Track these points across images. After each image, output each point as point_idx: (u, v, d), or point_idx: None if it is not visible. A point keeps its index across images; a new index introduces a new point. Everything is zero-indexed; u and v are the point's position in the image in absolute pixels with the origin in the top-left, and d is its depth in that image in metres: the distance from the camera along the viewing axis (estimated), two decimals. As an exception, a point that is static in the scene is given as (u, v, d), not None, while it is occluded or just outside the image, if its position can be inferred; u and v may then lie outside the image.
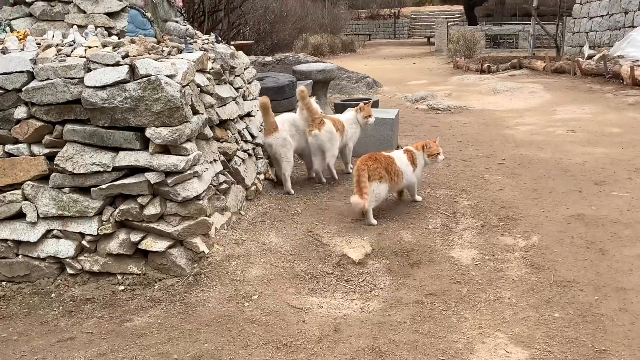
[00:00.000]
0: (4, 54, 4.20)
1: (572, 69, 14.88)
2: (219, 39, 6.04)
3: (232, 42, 11.69)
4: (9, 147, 4.09)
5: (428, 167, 5.46)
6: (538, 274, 3.93)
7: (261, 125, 6.09)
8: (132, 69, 3.96)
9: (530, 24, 24.89)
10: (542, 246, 4.34)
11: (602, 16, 18.48)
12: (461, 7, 40.28)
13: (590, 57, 15.15)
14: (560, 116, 9.71)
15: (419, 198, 5.40)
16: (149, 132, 3.95)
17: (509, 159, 6.85)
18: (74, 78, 3.97)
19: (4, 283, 4.13)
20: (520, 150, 7.32)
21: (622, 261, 4.04)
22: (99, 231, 4.05)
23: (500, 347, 3.14)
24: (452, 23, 34.23)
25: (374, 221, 4.87)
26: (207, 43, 5.45)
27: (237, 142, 5.21)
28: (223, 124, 5.02)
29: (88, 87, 3.93)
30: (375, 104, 9.09)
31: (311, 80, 9.34)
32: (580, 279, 3.82)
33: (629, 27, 16.15)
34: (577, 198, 5.29)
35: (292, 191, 5.69)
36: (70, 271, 4.12)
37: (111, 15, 5.34)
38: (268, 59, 12.51)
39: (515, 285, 3.80)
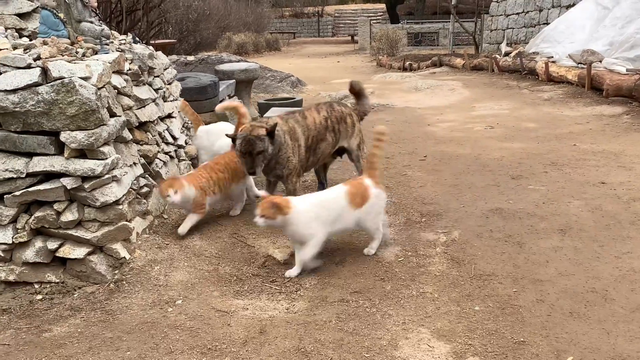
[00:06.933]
0: None
1: (490, 65, 15.33)
2: (137, 39, 5.91)
3: (152, 42, 11.49)
4: None
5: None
6: (459, 269, 4.02)
7: (183, 126, 6.02)
8: (45, 71, 3.82)
9: (450, 21, 25.52)
10: (462, 241, 4.44)
11: (518, 14, 19.12)
12: (383, 6, 40.87)
13: (507, 54, 15.64)
14: (479, 112, 9.98)
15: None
16: (63, 136, 3.83)
17: (430, 156, 6.99)
18: (-17, 82, 3.81)
19: None
20: (440, 146, 7.48)
21: (539, 253, 4.18)
22: (13, 240, 3.90)
23: (423, 342, 3.19)
24: (374, 21, 34.70)
25: None
26: (124, 44, 5.32)
27: (157, 144, 5.11)
28: (143, 126, 4.92)
29: (-2, 90, 3.78)
30: (299, 103, 9.12)
31: (234, 80, 9.28)
32: (499, 272, 3.93)
33: (544, 24, 16.75)
34: (495, 192, 5.44)
35: None
36: (-16, 282, 3.95)
37: (22, 16, 5.14)
38: (190, 58, 12.36)
39: (437, 280, 3.88)
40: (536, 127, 8.35)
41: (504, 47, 16.66)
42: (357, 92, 5.46)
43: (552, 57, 13.16)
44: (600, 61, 11.10)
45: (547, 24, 16.12)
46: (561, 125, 8.36)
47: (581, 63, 11.41)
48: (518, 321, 3.34)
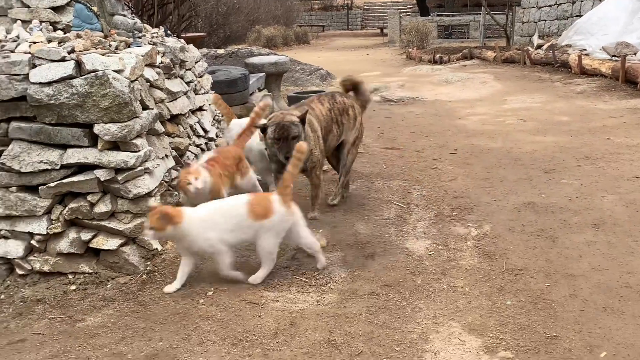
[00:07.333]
0: (-56, 50, 4.07)
1: (522, 58, 15.14)
2: (169, 32, 5.95)
3: (183, 35, 11.56)
4: (-49, 147, 3.96)
5: None
6: (490, 263, 3.99)
7: (214, 119, 6.05)
8: (79, 64, 3.87)
9: (480, 14, 25.26)
10: (493, 235, 4.41)
11: (550, 6, 18.86)
12: (413, -2, 40.57)
13: (539, 46, 15.44)
14: (511, 106, 9.87)
15: None
16: (97, 128, 3.88)
17: (461, 149, 6.93)
18: (18, 75, 3.85)
19: (-50, 286, 4.02)
20: (471, 140, 7.42)
21: (572, 248, 4.13)
22: (48, 230, 3.96)
23: (454, 336, 3.18)
24: (404, 14, 34.45)
25: None
26: (156, 37, 5.36)
27: (189, 137, 5.15)
28: (174, 118, 4.96)
29: (33, 83, 3.82)
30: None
31: (264, 73, 9.30)
32: (531, 266, 3.89)
33: (577, 16, 16.49)
34: (528, 186, 5.38)
35: None
36: (19, 272, 4.01)
37: (56, 9, 5.20)
38: (220, 51, 12.43)
39: (468, 274, 3.85)
40: (569, 121, 8.24)
41: (536, 40, 16.45)
42: (351, 88, 5.36)
43: (585, 49, 12.96)
44: (635, 54, 10.92)
45: (580, 16, 15.86)
46: (594, 118, 8.24)
47: (615, 55, 11.23)
48: (550, 316, 3.31)
